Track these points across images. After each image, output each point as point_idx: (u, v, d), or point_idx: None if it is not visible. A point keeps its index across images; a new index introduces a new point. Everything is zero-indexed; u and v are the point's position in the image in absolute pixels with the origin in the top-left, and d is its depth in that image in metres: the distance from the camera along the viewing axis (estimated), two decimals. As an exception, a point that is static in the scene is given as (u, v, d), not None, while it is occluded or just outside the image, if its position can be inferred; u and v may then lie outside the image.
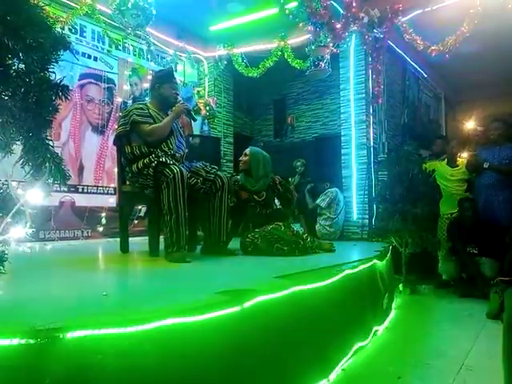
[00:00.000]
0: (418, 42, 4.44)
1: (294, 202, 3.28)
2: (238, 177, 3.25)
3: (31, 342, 0.85)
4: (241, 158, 3.21)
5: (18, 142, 1.01)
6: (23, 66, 0.96)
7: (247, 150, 3.21)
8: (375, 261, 2.63)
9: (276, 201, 3.38)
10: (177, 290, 1.58)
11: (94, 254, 3.28)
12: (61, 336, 0.88)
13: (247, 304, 1.30)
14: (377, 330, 2.37)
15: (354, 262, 2.39)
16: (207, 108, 5.73)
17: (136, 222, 4.58)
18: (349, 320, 1.99)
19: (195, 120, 3.07)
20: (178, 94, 2.83)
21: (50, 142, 1.07)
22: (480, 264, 3.43)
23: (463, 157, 3.97)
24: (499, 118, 3.95)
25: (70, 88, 1.11)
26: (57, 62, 1.03)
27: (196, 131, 5.62)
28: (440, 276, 3.82)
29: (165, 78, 2.79)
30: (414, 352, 2.12)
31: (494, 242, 3.37)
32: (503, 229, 3.35)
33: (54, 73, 1.03)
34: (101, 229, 4.53)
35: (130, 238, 2.92)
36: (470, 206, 3.59)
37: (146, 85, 5.06)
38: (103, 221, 4.53)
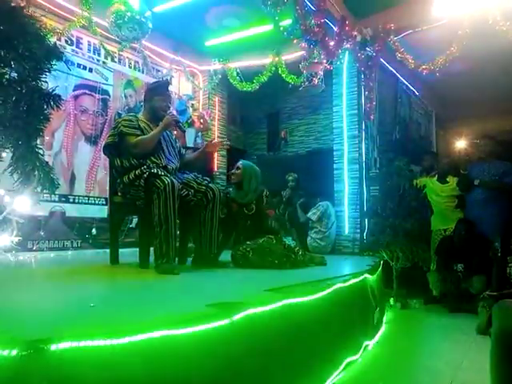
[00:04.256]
0: (410, 60, 4.54)
1: (267, 220, 3.13)
2: (230, 189, 3.25)
3: (14, 353, 0.83)
4: (233, 171, 3.17)
5: (7, 150, 1.00)
6: (15, 74, 0.96)
7: (239, 164, 3.17)
8: (366, 275, 2.63)
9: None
10: (166, 302, 1.56)
11: (83, 264, 3.24)
12: (45, 347, 0.86)
13: (237, 317, 1.29)
14: (367, 345, 2.35)
15: (345, 275, 2.39)
16: (201, 121, 5.77)
17: (127, 233, 4.54)
18: (339, 334, 1.97)
19: (184, 131, 3.08)
20: (169, 107, 2.82)
21: (40, 151, 1.06)
22: (468, 280, 3.46)
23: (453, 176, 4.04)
24: (488, 135, 4.03)
25: (64, 98, 1.12)
26: (49, 72, 1.03)
27: (189, 144, 5.63)
28: (430, 291, 3.83)
29: (157, 90, 2.80)
30: (404, 367, 2.11)
31: (482, 257, 3.40)
32: (492, 244, 3.39)
33: (46, 82, 1.03)
34: (91, 240, 4.48)
35: (121, 250, 2.89)
36: (464, 228, 3.61)
37: (141, 97, 5.09)
38: (94, 231, 4.49)
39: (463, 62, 4.61)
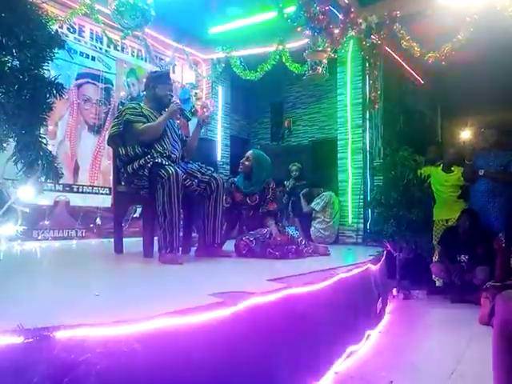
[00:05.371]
0: (415, 48, 4.47)
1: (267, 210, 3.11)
2: (236, 179, 3.22)
3: (20, 340, 0.84)
4: (242, 161, 3.12)
5: (10, 139, 1.00)
6: (17, 62, 0.96)
7: (250, 154, 3.11)
8: (369, 265, 2.63)
9: None
10: (169, 291, 1.57)
11: (88, 254, 3.26)
12: (50, 335, 0.87)
13: (240, 306, 1.30)
14: (370, 334, 2.37)
15: (349, 265, 2.40)
16: (205, 110, 5.74)
17: (131, 222, 4.56)
18: (342, 323, 1.98)
19: (189, 120, 3.06)
20: (172, 95, 2.82)
21: (44, 140, 1.06)
22: (472, 271, 3.46)
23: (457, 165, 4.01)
24: (493, 125, 3.99)
25: (67, 87, 1.11)
26: (51, 60, 1.02)
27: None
28: (433, 281, 3.84)
29: (159, 78, 2.79)
30: (406, 356, 2.13)
31: (486, 247, 3.40)
32: (496, 234, 3.38)
33: (48, 70, 1.02)
34: (95, 229, 4.51)
35: (125, 239, 2.90)
36: (469, 218, 3.60)
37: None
38: (98, 221, 4.51)
39: (470, 49, 4.53)
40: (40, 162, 1.02)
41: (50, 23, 1.03)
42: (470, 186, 3.90)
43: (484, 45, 4.85)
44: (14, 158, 1.01)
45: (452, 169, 4.04)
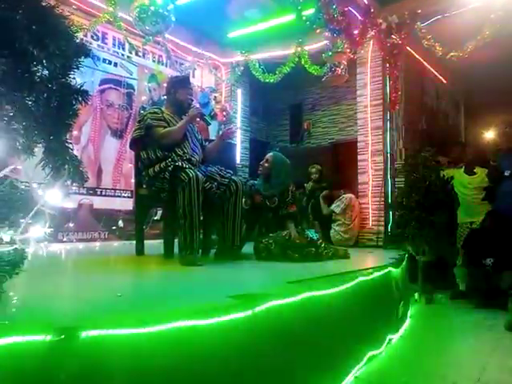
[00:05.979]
0: (437, 47, 4.39)
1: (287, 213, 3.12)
2: (255, 181, 3.25)
3: (48, 339, 0.87)
4: (262, 163, 3.18)
5: (39, 145, 1.05)
6: (46, 72, 1.01)
7: (269, 157, 3.15)
8: (390, 268, 2.59)
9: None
10: (189, 292, 1.59)
11: (110, 255, 3.34)
12: (76, 334, 0.90)
13: (259, 308, 1.30)
14: (391, 339, 2.33)
15: (369, 269, 2.37)
16: (224, 113, 5.79)
17: (151, 225, 4.63)
18: (362, 327, 1.96)
19: (209, 124, 3.11)
20: (192, 100, 2.88)
21: (70, 145, 1.11)
22: (498, 275, 3.35)
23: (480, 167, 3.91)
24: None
25: (91, 93, 1.16)
26: (78, 69, 1.07)
27: (212, 136, 5.68)
28: (457, 285, 3.75)
29: (180, 83, 2.85)
30: (428, 362, 2.08)
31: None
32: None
33: (74, 78, 1.07)
34: (117, 231, 4.60)
35: (146, 241, 2.96)
36: (494, 221, 3.51)
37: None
38: (120, 223, 4.61)
39: (493, 47, 4.41)
40: (67, 166, 1.07)
41: (77, 33, 1.08)
42: (495, 188, 3.79)
43: (508, 42, 4.71)
44: (42, 163, 1.06)
45: (475, 171, 3.94)
